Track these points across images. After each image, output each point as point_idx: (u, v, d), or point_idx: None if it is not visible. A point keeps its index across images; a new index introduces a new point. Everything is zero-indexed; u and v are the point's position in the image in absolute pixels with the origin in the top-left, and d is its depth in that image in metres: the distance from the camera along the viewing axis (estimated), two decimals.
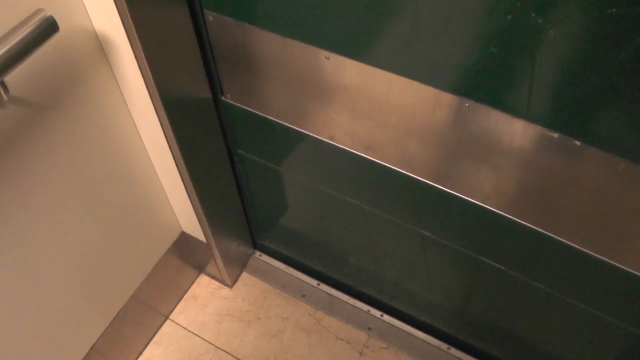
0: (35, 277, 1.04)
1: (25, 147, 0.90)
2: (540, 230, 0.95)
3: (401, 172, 1.03)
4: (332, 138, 1.06)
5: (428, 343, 1.49)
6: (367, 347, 1.49)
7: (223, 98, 1.15)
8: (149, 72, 0.95)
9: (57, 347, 1.17)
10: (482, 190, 0.95)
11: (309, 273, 1.63)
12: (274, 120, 1.12)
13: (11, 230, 0.95)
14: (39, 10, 0.77)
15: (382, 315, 1.54)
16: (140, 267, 1.35)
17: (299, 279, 1.63)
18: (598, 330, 1.09)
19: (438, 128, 0.90)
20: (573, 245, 0.93)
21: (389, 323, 1.53)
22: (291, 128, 1.11)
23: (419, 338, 1.50)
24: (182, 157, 1.12)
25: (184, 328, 1.55)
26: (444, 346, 1.48)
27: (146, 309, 1.45)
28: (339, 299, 1.58)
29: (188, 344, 1.52)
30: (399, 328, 1.52)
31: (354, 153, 1.06)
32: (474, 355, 1.46)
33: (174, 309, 1.58)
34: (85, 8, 0.88)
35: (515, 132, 0.82)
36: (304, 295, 1.59)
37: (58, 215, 1.03)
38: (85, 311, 1.21)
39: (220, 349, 1.50)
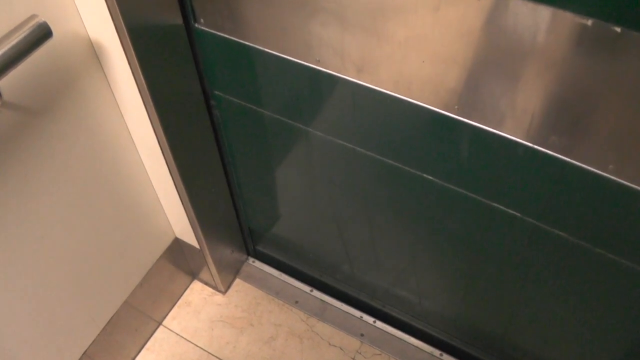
0: (27, 282, 1.04)
1: (18, 152, 0.90)
2: (565, 158, 0.80)
3: (399, 98, 0.89)
4: (318, 62, 0.93)
5: (421, 349, 1.49)
6: (360, 354, 1.49)
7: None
8: (142, 78, 0.95)
9: (49, 353, 1.17)
10: (497, 111, 0.80)
11: (302, 279, 1.63)
12: (252, 46, 0.98)
13: (3, 236, 0.95)
14: (33, 16, 0.77)
15: (375, 322, 1.54)
16: (133, 273, 1.35)
17: (292, 285, 1.63)
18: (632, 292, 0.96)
19: (442, 31, 0.76)
20: (605, 174, 0.79)
21: (381, 329, 1.53)
22: (272, 54, 0.97)
23: (412, 344, 1.50)
24: (175, 162, 1.13)
25: (177, 334, 1.55)
26: (436, 352, 1.48)
27: (139, 314, 1.45)
28: (332, 305, 1.58)
29: (181, 350, 1.52)
30: (391, 334, 1.52)
31: (344, 79, 0.92)
32: None
33: (167, 315, 1.58)
34: (79, 14, 0.89)
35: (539, 24, 0.68)
36: (297, 302, 1.59)
37: (50, 220, 1.03)
38: (77, 317, 1.21)
39: (213, 355, 1.50)
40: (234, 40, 0.99)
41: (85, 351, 1.28)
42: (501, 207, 0.95)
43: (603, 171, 0.78)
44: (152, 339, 1.54)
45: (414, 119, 0.91)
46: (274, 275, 1.65)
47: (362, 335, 1.52)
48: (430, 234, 1.14)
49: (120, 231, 1.23)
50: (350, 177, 1.13)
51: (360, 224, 1.24)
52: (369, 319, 1.55)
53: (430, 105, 0.86)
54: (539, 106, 0.76)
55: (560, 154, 0.80)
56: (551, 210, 0.90)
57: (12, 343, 1.07)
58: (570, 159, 0.80)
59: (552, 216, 0.91)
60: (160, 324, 1.57)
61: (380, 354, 1.49)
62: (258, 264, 1.68)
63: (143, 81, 0.96)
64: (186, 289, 1.63)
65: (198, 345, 1.52)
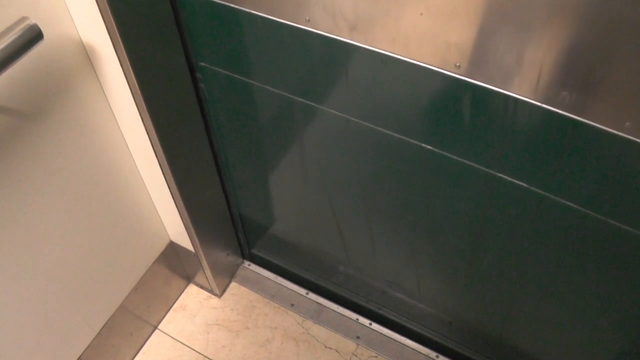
0: (22, 287, 1.03)
1: (10, 156, 0.90)
2: (577, 117, 0.74)
3: (395, 58, 0.83)
4: (308, 22, 0.87)
5: (417, 351, 1.49)
6: (356, 356, 1.49)
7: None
8: (134, 79, 0.95)
9: (44, 357, 1.17)
10: (502, 67, 0.74)
11: (298, 282, 1.63)
12: (237, 9, 0.92)
13: None
14: (23, 19, 0.77)
15: (371, 324, 1.54)
16: (128, 276, 1.35)
17: (287, 288, 1.63)
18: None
19: None
20: (621, 134, 0.72)
21: (377, 331, 1.53)
22: (258, 16, 0.91)
23: (408, 346, 1.50)
24: (169, 165, 1.13)
25: (173, 338, 1.54)
26: (432, 354, 1.48)
27: (134, 318, 1.44)
28: (327, 307, 1.58)
29: (176, 354, 1.51)
30: (387, 336, 1.52)
31: (336, 40, 0.86)
32: None
33: (162, 319, 1.58)
34: (71, 16, 0.89)
35: None
36: (292, 305, 1.59)
37: (44, 225, 1.03)
38: (72, 321, 1.21)
39: (209, 358, 1.50)
40: (219, 3, 0.94)
41: (81, 356, 1.27)
42: (506, 177, 0.89)
43: (619, 130, 0.72)
44: (147, 343, 1.54)
45: (411, 81, 0.85)
46: (269, 279, 1.65)
47: (358, 337, 1.52)
48: (430, 212, 1.08)
49: (115, 235, 1.23)
50: (344, 153, 1.07)
51: (356, 208, 1.20)
52: (365, 321, 1.55)
53: (429, 65, 0.81)
54: (548, 58, 0.70)
55: (572, 113, 0.74)
56: (561, 179, 0.83)
57: (6, 348, 1.06)
58: (583, 117, 0.73)
59: (562, 185, 0.84)
60: (155, 327, 1.56)
61: (376, 357, 1.49)
62: (253, 267, 1.68)
63: (135, 83, 0.96)
64: (182, 292, 1.63)
65: (194, 348, 1.52)
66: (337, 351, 1.50)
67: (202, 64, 1.08)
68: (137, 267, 1.37)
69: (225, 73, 1.06)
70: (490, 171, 0.90)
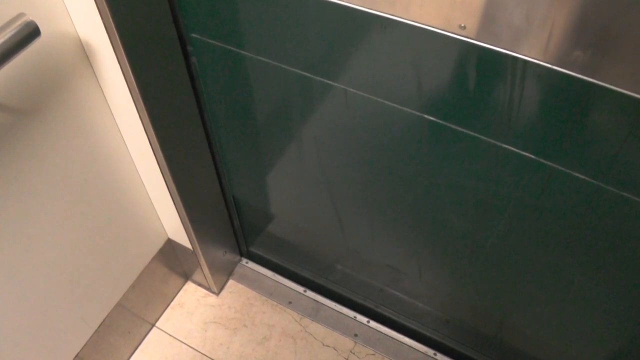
0: (19, 284, 1.03)
1: (6, 153, 0.89)
2: (590, 79, 0.68)
3: (395, 20, 0.78)
4: None
5: (415, 349, 1.49)
6: (354, 354, 1.49)
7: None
8: (132, 76, 0.95)
9: (41, 355, 1.16)
10: (510, 27, 0.69)
11: (296, 280, 1.63)
12: None
13: None
14: (20, 15, 0.77)
15: (368, 322, 1.54)
16: (125, 274, 1.35)
17: (285, 285, 1.63)
18: None
19: None
20: (639, 97, 0.67)
21: (375, 329, 1.53)
22: None
23: (406, 344, 1.50)
24: (166, 161, 1.12)
25: (170, 335, 1.54)
26: (430, 352, 1.48)
27: (132, 316, 1.44)
28: (325, 305, 1.58)
29: (174, 351, 1.51)
30: (385, 334, 1.52)
31: (333, 3, 0.82)
32: None
33: (160, 316, 1.58)
34: (68, 12, 0.89)
35: None
36: (290, 302, 1.59)
37: (41, 222, 1.02)
38: (69, 319, 1.21)
39: (207, 356, 1.50)
40: None
41: (78, 353, 1.27)
42: (513, 149, 0.84)
43: (637, 92, 0.67)
44: (145, 340, 1.54)
45: (413, 46, 0.80)
46: (267, 276, 1.65)
47: (355, 335, 1.52)
48: (432, 189, 1.02)
49: (112, 232, 1.23)
50: (342, 127, 1.02)
51: (355, 189, 1.15)
52: (363, 319, 1.55)
53: (431, 26, 0.76)
54: (560, 14, 0.65)
55: (585, 75, 0.68)
56: (572, 149, 0.78)
57: (3, 345, 1.06)
58: (597, 79, 0.68)
59: (573, 156, 0.79)
60: (153, 325, 1.56)
61: (374, 354, 1.49)
62: (251, 264, 1.68)
63: (133, 80, 0.95)
64: (179, 290, 1.63)
65: (191, 346, 1.52)
66: (334, 349, 1.50)
67: (194, 35, 1.03)
68: (135, 265, 1.37)
69: (217, 45, 1.02)
70: (496, 142, 0.85)
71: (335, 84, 0.94)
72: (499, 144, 0.84)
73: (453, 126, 0.86)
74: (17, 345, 1.09)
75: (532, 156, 0.83)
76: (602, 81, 0.68)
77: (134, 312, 1.45)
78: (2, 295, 1.01)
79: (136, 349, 1.52)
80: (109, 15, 0.86)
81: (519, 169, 0.86)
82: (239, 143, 1.24)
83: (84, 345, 1.28)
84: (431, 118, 0.88)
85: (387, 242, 1.25)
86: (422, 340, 1.49)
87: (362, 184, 1.12)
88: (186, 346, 1.52)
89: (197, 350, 1.51)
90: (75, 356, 1.27)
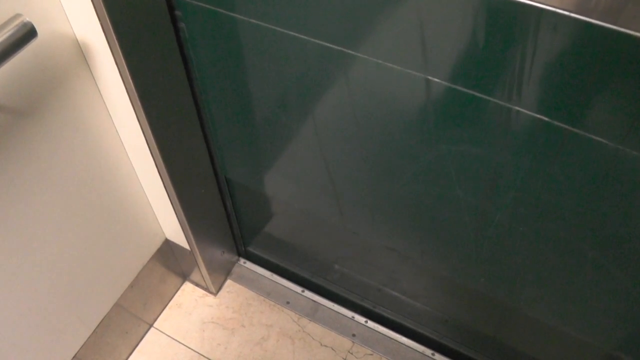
0: (16, 285, 1.03)
1: (3, 154, 0.89)
2: (612, 26, 0.62)
3: None
4: None
5: (412, 349, 1.49)
6: (352, 354, 1.49)
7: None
8: (129, 77, 0.95)
9: (39, 356, 1.16)
10: None
11: (294, 280, 1.63)
12: None
13: None
14: (17, 16, 0.76)
15: (366, 322, 1.54)
16: (123, 274, 1.35)
17: (283, 285, 1.63)
18: None
19: None
20: None
21: (373, 329, 1.53)
22: None
23: (404, 344, 1.50)
24: (164, 162, 1.12)
25: (168, 336, 1.54)
26: (428, 352, 1.48)
27: (130, 316, 1.44)
28: (323, 305, 1.58)
29: (172, 351, 1.51)
30: (383, 334, 1.52)
31: None
32: None
33: (158, 316, 1.58)
34: (65, 13, 0.88)
35: None
36: (288, 302, 1.59)
37: (38, 222, 1.02)
38: (67, 319, 1.20)
39: (205, 356, 1.50)
40: None
41: (76, 354, 1.27)
42: (524, 110, 0.77)
43: None
44: (143, 341, 1.54)
45: None
46: (265, 276, 1.65)
47: (353, 335, 1.52)
48: (436, 160, 0.94)
49: (110, 233, 1.22)
50: (340, 95, 0.95)
51: (353, 162, 1.07)
52: (361, 319, 1.55)
53: None
54: None
55: (606, 22, 0.61)
56: (589, 109, 0.71)
57: (0, 347, 1.06)
58: (619, 26, 0.61)
59: (591, 117, 0.72)
60: (151, 325, 1.56)
61: (372, 354, 1.49)
62: (249, 264, 1.68)
63: (130, 80, 0.95)
64: (177, 290, 1.63)
65: (189, 346, 1.52)
66: (332, 349, 1.50)
67: None
68: (133, 265, 1.37)
69: (206, 7, 0.95)
70: (506, 104, 0.78)
71: (334, 47, 0.88)
72: (509, 106, 0.77)
73: (460, 88, 0.80)
74: (15, 346, 1.09)
75: (546, 119, 0.76)
76: (624, 27, 0.60)
77: (132, 313, 1.44)
78: (0, 296, 1.01)
79: (134, 349, 1.52)
80: (106, 15, 0.86)
81: (531, 133, 0.79)
82: (233, 121, 1.17)
83: (82, 346, 1.28)
84: (436, 80, 0.81)
85: (388, 221, 1.17)
86: (420, 340, 1.49)
87: (362, 156, 1.05)
88: (184, 346, 1.52)
89: (195, 351, 1.51)
90: (73, 357, 1.27)
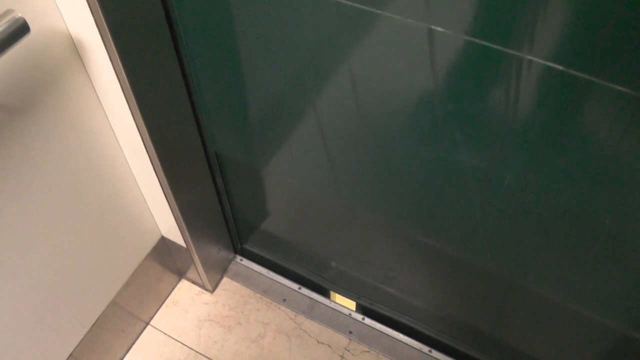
0: (11, 283, 1.02)
1: None
2: None
3: None
4: None
5: (409, 346, 1.49)
6: (349, 351, 1.49)
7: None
8: (123, 72, 0.94)
9: (35, 354, 1.16)
10: None
11: (290, 277, 1.63)
12: None
13: None
14: (9, 11, 0.76)
15: (363, 319, 1.54)
16: (119, 272, 1.34)
17: (280, 283, 1.62)
18: None
19: None
20: None
21: (370, 326, 1.53)
22: None
23: (400, 341, 1.50)
24: (159, 159, 1.12)
25: (165, 334, 1.54)
26: (425, 349, 1.48)
27: (126, 315, 1.44)
28: (320, 302, 1.58)
29: (168, 349, 1.51)
30: (380, 331, 1.52)
31: None
32: (455, 358, 1.46)
33: (154, 314, 1.57)
34: (58, 8, 0.88)
35: None
36: (284, 300, 1.59)
37: (33, 220, 1.02)
38: (63, 318, 1.20)
39: (201, 354, 1.49)
40: None
41: (72, 353, 1.27)
42: (538, 60, 0.69)
43: None
44: (139, 339, 1.53)
45: None
46: (261, 274, 1.65)
47: (350, 332, 1.52)
48: (439, 121, 0.86)
49: (106, 231, 1.22)
50: (336, 54, 0.88)
51: (351, 128, 0.99)
52: (358, 316, 1.55)
53: None
54: None
55: None
56: (611, 55, 0.65)
57: None
58: None
59: (612, 65, 0.66)
60: (147, 323, 1.56)
61: (368, 351, 1.49)
62: (246, 262, 1.67)
63: (125, 76, 0.95)
64: (173, 288, 1.62)
65: (186, 344, 1.51)
66: (329, 346, 1.50)
67: None
68: (129, 263, 1.36)
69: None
70: (517, 53, 0.71)
71: None
72: (520, 55, 0.70)
73: (465, 37, 0.73)
74: (10, 345, 1.08)
75: (561, 67, 0.69)
76: None
77: (128, 311, 1.44)
78: None
79: (130, 347, 1.52)
80: (99, 10, 0.85)
81: (544, 85, 0.71)
82: (226, 102, 1.12)
83: (78, 344, 1.28)
84: (439, 29, 0.74)
85: (387, 193, 1.08)
86: (417, 336, 1.49)
87: (360, 121, 0.97)
88: (180, 344, 1.52)
89: (191, 349, 1.51)
90: (69, 355, 1.26)
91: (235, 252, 1.68)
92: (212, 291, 1.61)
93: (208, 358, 1.49)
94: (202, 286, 1.61)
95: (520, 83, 0.74)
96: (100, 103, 1.05)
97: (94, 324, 1.31)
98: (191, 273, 1.57)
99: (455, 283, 1.21)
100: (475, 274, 1.15)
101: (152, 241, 1.42)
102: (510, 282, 1.08)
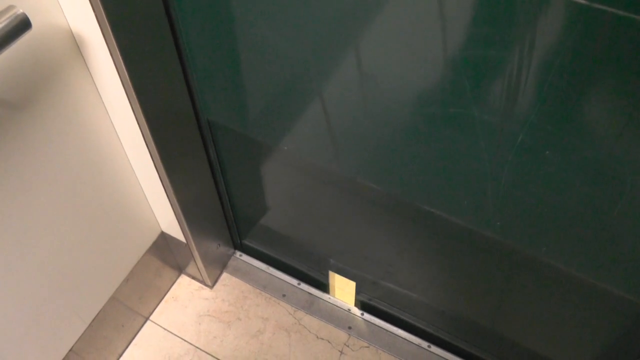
0: (11, 279, 1.03)
1: None
2: None
3: None
4: None
5: (408, 341, 1.49)
6: (348, 346, 1.49)
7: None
8: (124, 69, 0.94)
9: (35, 350, 1.16)
10: None
11: (290, 272, 1.63)
12: None
13: None
14: (10, 7, 0.76)
15: (362, 314, 1.54)
16: (119, 267, 1.34)
17: (279, 278, 1.62)
18: None
19: None
20: None
21: (369, 322, 1.53)
22: None
23: (400, 336, 1.50)
24: (159, 154, 1.12)
25: (164, 329, 1.54)
26: (424, 344, 1.48)
27: (126, 310, 1.44)
28: (319, 298, 1.58)
29: (168, 344, 1.51)
30: (379, 327, 1.52)
31: None
32: (455, 353, 1.47)
33: (154, 310, 1.57)
34: (60, 4, 0.88)
35: None
36: (284, 295, 1.59)
37: (33, 216, 1.02)
38: (63, 313, 1.20)
39: (201, 349, 1.50)
40: None
41: (72, 348, 1.27)
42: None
43: None
44: (139, 334, 1.53)
45: None
46: (261, 269, 1.65)
47: (349, 328, 1.52)
48: (445, 67, 0.78)
49: (105, 226, 1.22)
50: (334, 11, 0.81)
51: (351, 93, 0.92)
52: (357, 312, 1.55)
53: None
54: None
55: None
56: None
57: None
58: None
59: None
60: (147, 319, 1.56)
61: (368, 347, 1.49)
62: (245, 257, 1.68)
63: (125, 72, 0.95)
64: (173, 283, 1.62)
65: (185, 339, 1.52)
66: (329, 341, 1.50)
67: None
68: (128, 258, 1.36)
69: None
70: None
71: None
72: None
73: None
74: (10, 340, 1.09)
75: (584, 1, 0.60)
76: None
77: (128, 306, 1.44)
78: None
79: (130, 342, 1.52)
80: (100, 5, 0.85)
81: (563, 22, 0.63)
82: (221, 72, 1.06)
83: (78, 339, 1.28)
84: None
85: (390, 158, 1.00)
86: (417, 332, 1.49)
87: (361, 77, 0.89)
88: (180, 339, 1.52)
89: (191, 344, 1.51)
90: (70, 350, 1.26)
91: (235, 247, 1.68)
92: (211, 286, 1.62)
93: (207, 353, 1.49)
94: (202, 281, 1.62)
95: (536, 22, 0.65)
96: (101, 99, 1.05)
97: (93, 319, 1.31)
98: (191, 268, 1.58)
99: (458, 269, 1.17)
100: (480, 253, 1.08)
101: (152, 236, 1.42)
102: (519, 256, 0.97)
